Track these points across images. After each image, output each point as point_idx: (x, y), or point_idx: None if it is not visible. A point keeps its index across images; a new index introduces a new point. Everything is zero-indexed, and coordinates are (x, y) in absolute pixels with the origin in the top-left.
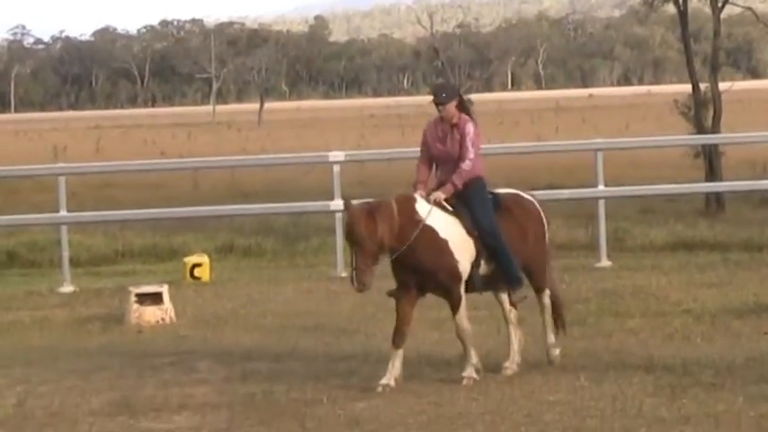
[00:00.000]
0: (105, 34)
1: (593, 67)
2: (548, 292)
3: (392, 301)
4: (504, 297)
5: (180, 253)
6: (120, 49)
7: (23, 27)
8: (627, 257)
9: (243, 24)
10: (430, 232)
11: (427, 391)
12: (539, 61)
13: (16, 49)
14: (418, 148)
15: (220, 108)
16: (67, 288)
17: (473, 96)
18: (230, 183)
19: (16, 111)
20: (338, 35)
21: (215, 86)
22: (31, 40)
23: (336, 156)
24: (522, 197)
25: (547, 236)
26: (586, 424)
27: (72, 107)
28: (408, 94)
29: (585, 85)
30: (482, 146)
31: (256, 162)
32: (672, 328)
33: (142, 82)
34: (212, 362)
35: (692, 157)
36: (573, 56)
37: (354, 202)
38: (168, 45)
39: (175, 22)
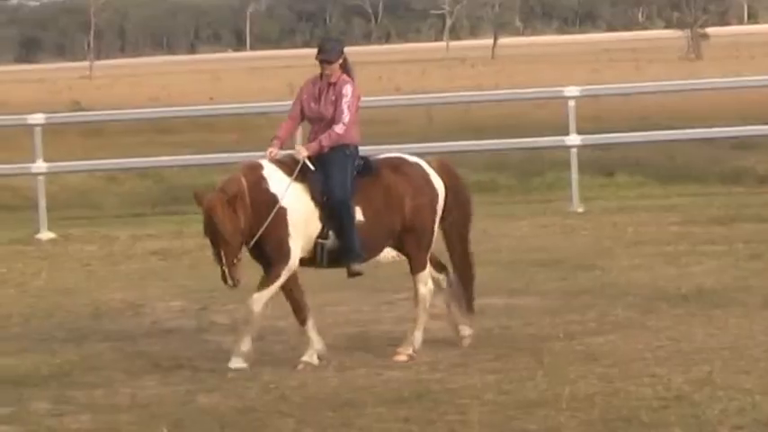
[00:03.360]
0: None
1: None
2: (428, 280)
3: (629, 236)
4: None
5: None
6: None
7: None
8: None
9: None
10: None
11: (664, 327)
12: None
13: None
14: (653, 83)
15: (454, 44)
16: None
17: (709, 30)
18: (463, 118)
19: (251, 48)
20: None
21: (448, 22)
22: None
23: (571, 91)
24: (405, 162)
25: (439, 205)
26: None
27: (306, 44)
28: (643, 28)
29: None
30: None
31: (490, 97)
32: None
33: (376, 19)
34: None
35: None
36: None
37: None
38: None
39: None
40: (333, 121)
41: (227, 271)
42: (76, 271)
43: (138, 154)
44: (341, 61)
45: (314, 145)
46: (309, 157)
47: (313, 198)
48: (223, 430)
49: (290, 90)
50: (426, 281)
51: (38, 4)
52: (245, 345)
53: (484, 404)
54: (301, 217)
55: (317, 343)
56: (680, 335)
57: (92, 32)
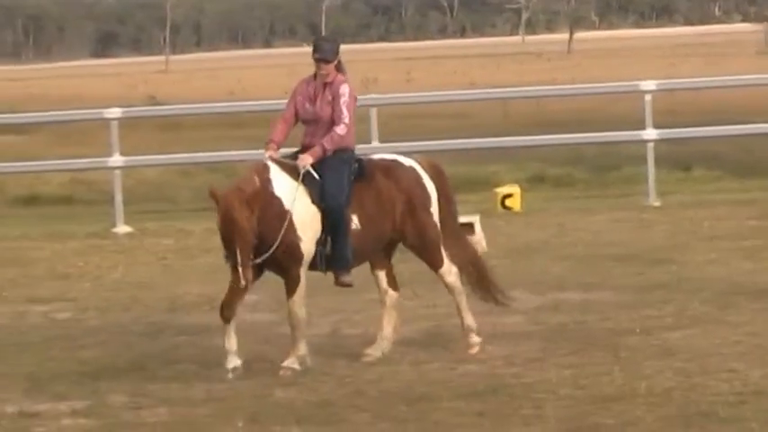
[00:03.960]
0: None
1: None
2: (451, 269)
3: (705, 230)
4: (382, 276)
5: (490, 183)
6: None
7: None
8: None
9: None
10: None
11: (742, 321)
12: None
13: None
14: (729, 77)
15: (529, 38)
16: None
17: None
18: (539, 112)
19: None
20: None
21: (524, 16)
22: None
23: (647, 85)
24: (400, 164)
25: (433, 206)
26: None
27: (382, 38)
28: (720, 22)
29: None
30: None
31: (566, 91)
32: None
33: (451, 12)
34: (524, 291)
35: None
36: None
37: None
38: None
39: None
40: (330, 121)
41: (241, 271)
42: (152, 265)
43: (211, 148)
44: (336, 61)
45: (317, 150)
46: (313, 164)
47: (314, 202)
48: (299, 424)
49: (364, 84)
50: (450, 270)
51: None
52: (301, 349)
53: (559, 399)
54: (307, 221)
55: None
56: (758, 330)
57: (168, 27)
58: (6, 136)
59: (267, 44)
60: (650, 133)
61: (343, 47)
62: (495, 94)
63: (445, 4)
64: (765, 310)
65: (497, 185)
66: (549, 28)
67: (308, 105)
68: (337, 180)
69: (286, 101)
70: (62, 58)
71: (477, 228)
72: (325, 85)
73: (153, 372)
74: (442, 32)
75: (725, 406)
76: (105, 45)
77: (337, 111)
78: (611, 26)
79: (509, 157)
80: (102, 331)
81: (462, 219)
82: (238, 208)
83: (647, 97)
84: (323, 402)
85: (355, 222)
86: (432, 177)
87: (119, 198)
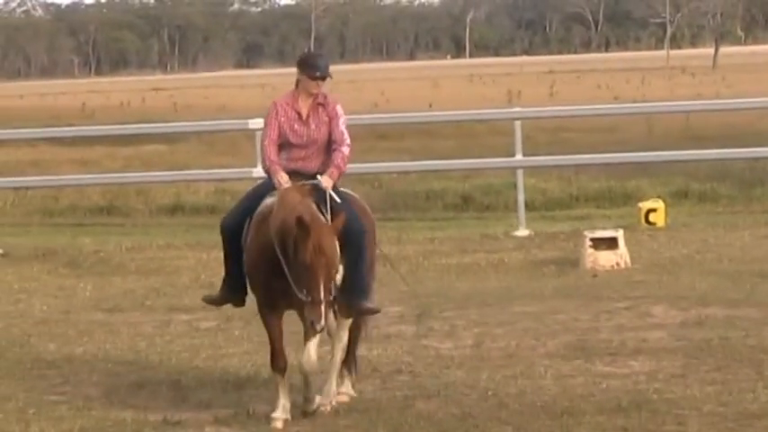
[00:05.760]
0: None
1: None
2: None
3: None
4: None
5: (634, 198)
6: None
7: None
8: None
9: None
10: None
11: None
12: None
13: None
14: None
15: (674, 53)
16: (522, 232)
17: None
18: (684, 127)
19: (471, 56)
20: None
21: (669, 31)
22: None
23: None
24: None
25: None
26: None
27: (526, 52)
28: None
29: None
30: None
31: (711, 106)
32: None
33: (596, 26)
34: (667, 306)
35: None
36: None
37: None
38: None
39: None
40: (326, 144)
41: (322, 308)
42: None
43: (358, 159)
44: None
45: (334, 172)
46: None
47: None
48: None
49: (508, 97)
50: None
51: (259, 10)
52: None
53: (703, 415)
54: None
55: (283, 397)
56: None
57: (312, 38)
58: (153, 145)
59: (411, 56)
60: None
61: (484, 60)
62: (640, 108)
63: (590, 18)
64: None
65: (641, 200)
66: (694, 43)
67: (297, 127)
68: (349, 203)
69: (429, 113)
70: (206, 69)
71: (621, 242)
72: (318, 105)
73: (297, 381)
74: (586, 46)
75: None
76: (250, 56)
77: (338, 132)
78: (756, 41)
79: (653, 172)
80: (246, 341)
81: (604, 233)
82: (330, 239)
83: None
84: (465, 415)
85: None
86: None
87: None
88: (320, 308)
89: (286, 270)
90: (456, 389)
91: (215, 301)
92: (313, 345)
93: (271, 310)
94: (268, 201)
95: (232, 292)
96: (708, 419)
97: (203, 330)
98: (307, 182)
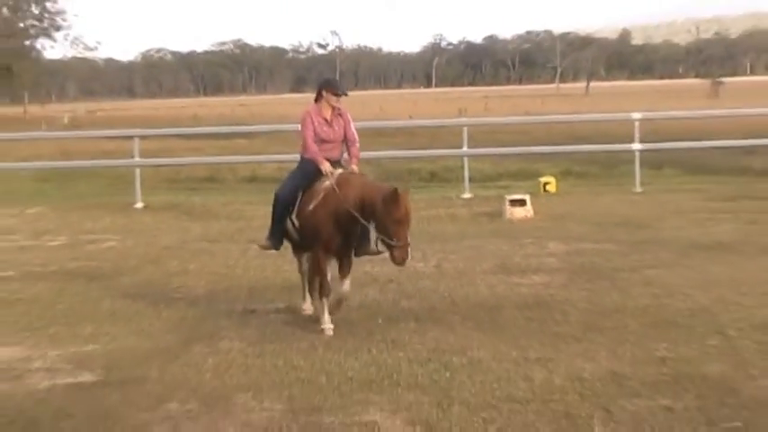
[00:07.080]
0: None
1: None
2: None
3: (671, 207)
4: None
5: (537, 175)
6: None
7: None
8: None
9: None
10: None
11: (695, 264)
12: None
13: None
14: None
15: (562, 85)
16: (467, 195)
17: None
18: (569, 130)
19: (436, 86)
20: None
21: (559, 71)
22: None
23: (635, 115)
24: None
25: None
26: None
27: (470, 84)
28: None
29: None
30: None
31: (585, 118)
32: None
33: (514, 67)
34: (557, 242)
35: None
36: None
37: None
38: None
39: None
40: (351, 141)
41: (409, 248)
42: None
43: (364, 150)
44: None
45: (356, 161)
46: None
47: None
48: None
49: (459, 112)
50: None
51: (304, 57)
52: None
53: (579, 310)
54: None
55: (327, 312)
56: (706, 270)
57: (337, 73)
58: (238, 139)
59: (398, 86)
60: (636, 146)
61: (446, 89)
62: (541, 119)
63: (510, 63)
64: (709, 258)
65: (541, 176)
66: (575, 79)
67: (325, 129)
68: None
69: (394, 120)
70: (272, 93)
71: (528, 203)
72: (337, 114)
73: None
74: (507, 81)
75: (682, 317)
76: (298, 85)
77: (351, 132)
78: (615, 78)
79: (548, 159)
80: (296, 262)
81: (519, 196)
82: (408, 202)
83: (636, 123)
84: (431, 309)
85: None
86: None
87: None
88: (407, 249)
89: (369, 226)
90: (426, 293)
91: (263, 247)
92: (348, 280)
93: (326, 254)
94: (326, 183)
95: (275, 240)
96: (582, 313)
97: (269, 254)
98: (346, 168)
